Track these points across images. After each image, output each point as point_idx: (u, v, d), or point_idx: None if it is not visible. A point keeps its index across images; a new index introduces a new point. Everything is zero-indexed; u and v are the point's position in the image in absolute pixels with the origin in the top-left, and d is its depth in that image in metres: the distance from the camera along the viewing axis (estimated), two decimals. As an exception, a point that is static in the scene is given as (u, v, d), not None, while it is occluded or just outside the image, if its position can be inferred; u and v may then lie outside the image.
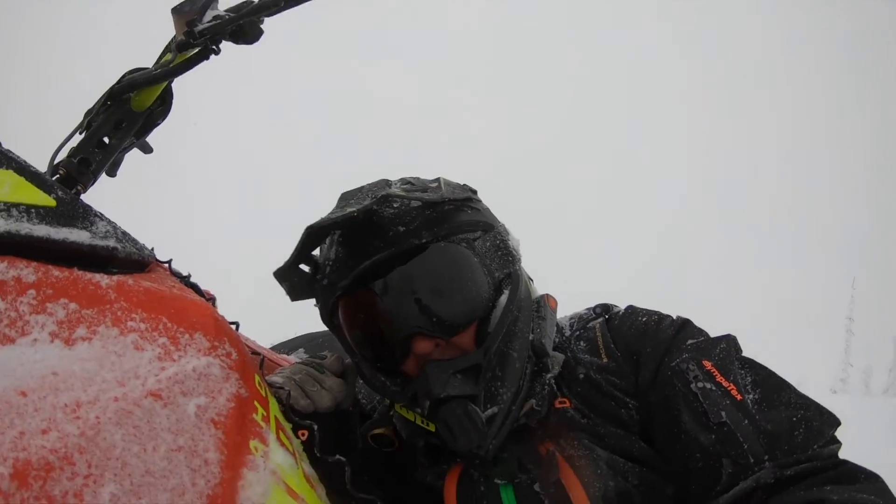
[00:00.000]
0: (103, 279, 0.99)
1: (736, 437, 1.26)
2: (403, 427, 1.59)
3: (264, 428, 1.08)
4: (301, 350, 2.26)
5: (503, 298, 1.47)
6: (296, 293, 1.60)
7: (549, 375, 1.50)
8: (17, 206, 0.98)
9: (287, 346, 2.50)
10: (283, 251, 1.49)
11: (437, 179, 1.61)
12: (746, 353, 1.46)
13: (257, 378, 1.18)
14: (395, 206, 1.47)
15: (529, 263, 1.65)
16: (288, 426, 1.31)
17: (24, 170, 1.04)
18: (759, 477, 1.21)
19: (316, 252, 1.59)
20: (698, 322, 1.55)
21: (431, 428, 1.45)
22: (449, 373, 1.38)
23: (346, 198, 1.56)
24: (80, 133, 1.50)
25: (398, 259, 1.42)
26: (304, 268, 1.59)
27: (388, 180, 1.61)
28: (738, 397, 1.32)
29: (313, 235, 1.44)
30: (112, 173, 1.65)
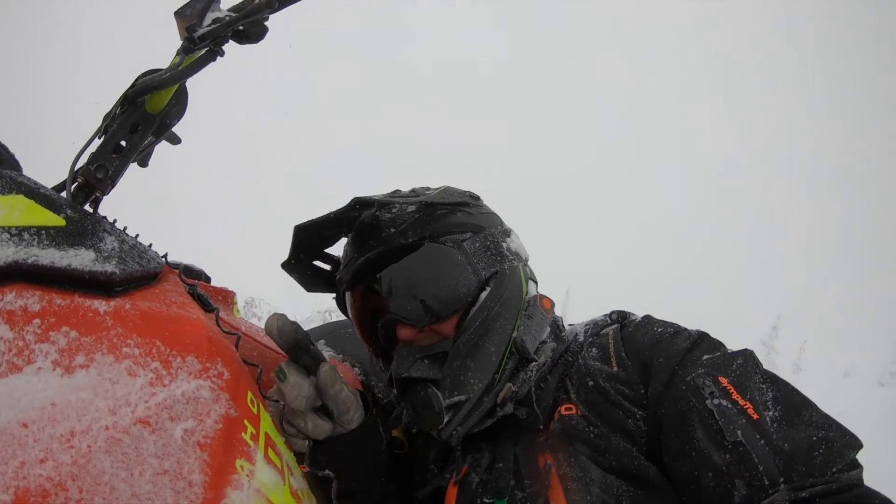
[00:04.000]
0: (101, 305, 1.07)
1: (751, 457, 1.23)
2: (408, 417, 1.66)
3: (252, 447, 1.16)
4: (322, 342, 2.27)
5: (483, 295, 1.58)
6: (308, 285, 1.82)
7: (533, 364, 1.57)
8: (28, 229, 1.05)
9: (315, 334, 2.52)
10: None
11: (446, 188, 1.78)
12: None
13: (250, 395, 1.25)
14: (393, 210, 1.64)
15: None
16: (280, 440, 1.36)
17: (33, 193, 1.11)
18: (773, 500, 1.18)
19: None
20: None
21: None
22: (415, 356, 1.53)
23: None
24: (99, 138, 1.55)
25: (390, 257, 1.58)
26: (321, 264, 1.81)
27: (399, 190, 1.79)
28: (755, 416, 1.28)
29: (300, 234, 1.63)
30: (144, 164, 1.72)
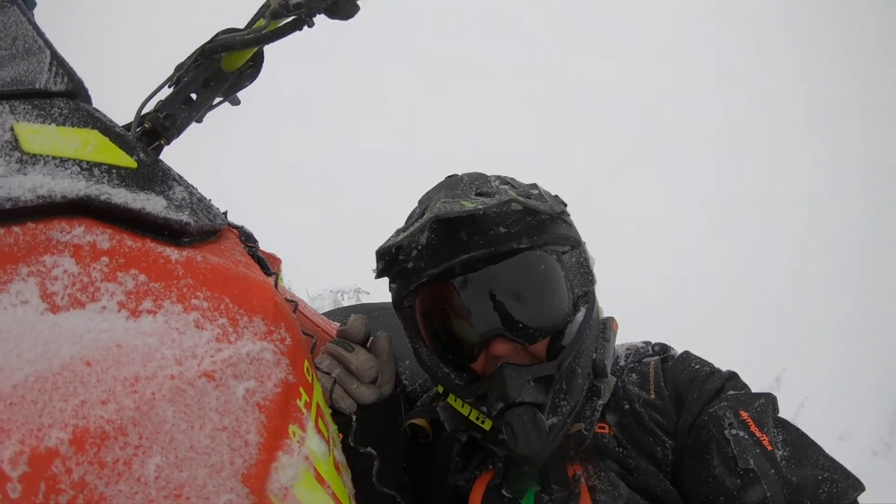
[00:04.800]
0: (173, 253, 1.04)
1: (761, 484, 1.28)
2: (450, 419, 1.61)
3: (305, 414, 1.13)
4: None
5: (580, 315, 1.51)
6: (383, 272, 1.65)
7: (599, 402, 1.53)
8: (99, 166, 1.02)
9: (341, 315, 2.51)
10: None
11: (535, 186, 1.64)
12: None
13: (306, 364, 1.22)
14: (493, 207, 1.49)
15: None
16: (328, 412, 1.35)
17: (108, 130, 1.08)
18: None
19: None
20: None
21: (487, 426, 1.48)
22: (525, 379, 1.41)
23: (451, 186, 1.58)
24: (169, 87, 1.53)
25: (493, 259, 1.45)
26: None
27: (485, 175, 1.64)
28: (769, 448, 1.34)
29: (438, 224, 1.49)
30: (199, 120, 1.69)
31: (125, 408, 0.82)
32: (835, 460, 1.34)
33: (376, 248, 1.54)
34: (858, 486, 1.29)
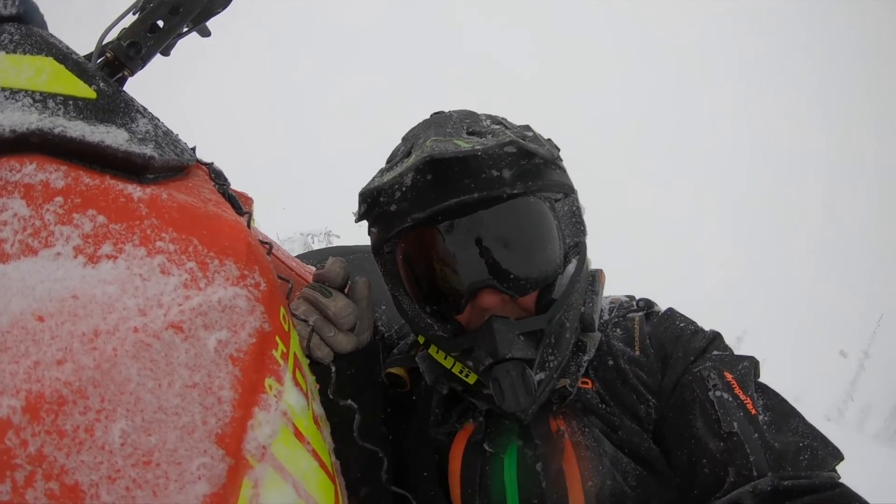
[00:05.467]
0: (136, 191, 0.95)
1: (744, 448, 1.26)
2: (430, 371, 1.55)
3: (282, 366, 1.05)
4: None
5: (571, 267, 1.44)
6: (365, 215, 1.53)
7: (585, 357, 1.48)
8: (54, 97, 0.93)
9: (316, 258, 2.44)
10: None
11: (529, 127, 1.53)
12: (758, 354, 1.49)
13: (282, 311, 1.14)
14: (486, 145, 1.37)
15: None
16: (305, 362, 1.28)
17: (65, 58, 0.99)
18: (756, 484, 1.20)
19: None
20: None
21: (471, 380, 1.43)
22: (515, 333, 1.34)
23: (440, 123, 1.47)
24: (133, 14, 1.41)
25: (484, 204, 1.36)
26: None
27: (475, 113, 1.53)
28: (753, 411, 1.32)
29: (426, 165, 1.36)
30: (166, 53, 1.57)
31: (84, 367, 0.74)
32: (815, 428, 1.33)
33: (359, 188, 1.43)
34: (838, 455, 1.27)
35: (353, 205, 1.52)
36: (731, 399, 1.33)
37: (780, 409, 1.36)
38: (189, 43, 1.55)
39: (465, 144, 1.29)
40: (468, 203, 1.35)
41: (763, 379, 1.44)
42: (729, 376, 1.38)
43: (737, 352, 1.48)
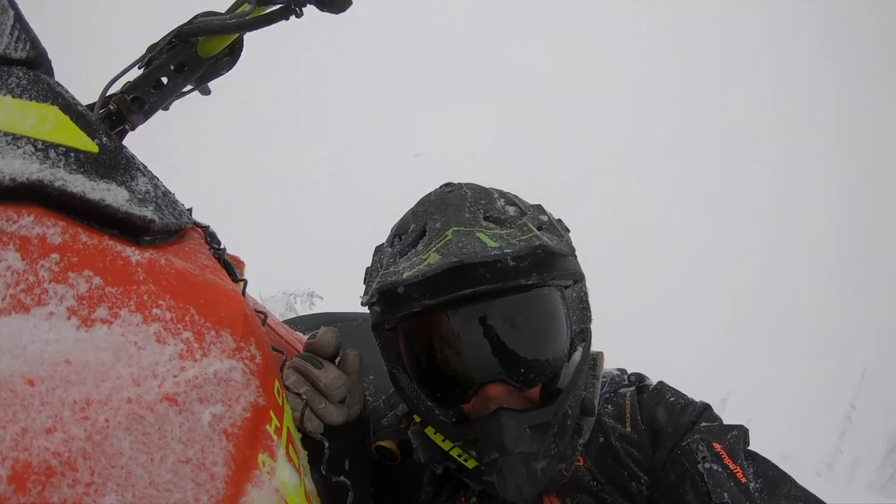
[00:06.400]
0: (134, 254, 0.92)
1: None
2: (425, 449, 1.50)
3: (275, 441, 1.01)
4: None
5: (577, 355, 1.42)
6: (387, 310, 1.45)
7: (580, 441, 1.43)
8: (56, 147, 0.90)
9: (305, 323, 2.41)
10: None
11: (541, 208, 1.53)
12: (744, 415, 1.48)
13: (277, 384, 1.10)
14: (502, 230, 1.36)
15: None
16: (297, 436, 1.24)
17: (70, 108, 0.96)
18: None
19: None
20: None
21: (470, 465, 1.39)
22: (523, 427, 1.31)
23: (456, 206, 1.42)
24: (139, 68, 1.41)
25: (499, 294, 1.33)
26: None
27: (487, 190, 1.50)
28: (743, 480, 1.31)
29: (459, 270, 1.28)
30: (166, 108, 1.56)
31: (75, 438, 0.70)
32: (807, 490, 1.33)
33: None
34: None
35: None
36: (720, 470, 1.32)
37: (771, 475, 1.35)
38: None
39: (491, 242, 1.27)
40: (482, 293, 1.32)
41: (750, 438, 1.43)
42: (718, 447, 1.37)
43: (721, 413, 1.48)
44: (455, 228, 1.34)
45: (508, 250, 1.25)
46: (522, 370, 1.34)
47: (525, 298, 1.35)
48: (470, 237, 1.30)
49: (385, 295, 1.39)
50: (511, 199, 1.49)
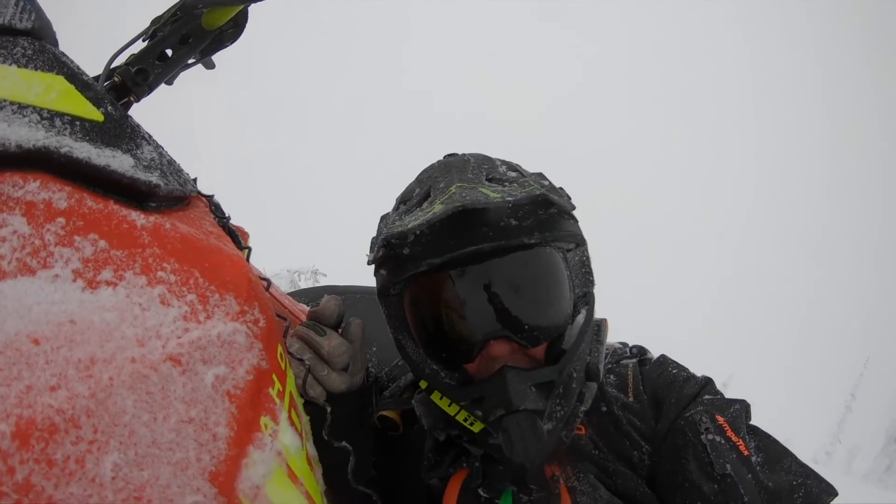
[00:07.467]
0: (139, 218, 0.93)
1: (738, 489, 1.26)
2: (428, 416, 1.53)
3: (278, 404, 1.03)
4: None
5: (580, 317, 1.44)
6: (385, 260, 1.49)
7: (582, 408, 1.45)
8: (61, 115, 0.91)
9: (308, 296, 2.43)
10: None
11: (543, 175, 1.54)
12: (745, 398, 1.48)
13: (280, 349, 1.11)
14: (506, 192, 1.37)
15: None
16: (300, 401, 1.25)
17: (75, 77, 0.97)
18: None
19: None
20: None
21: (476, 429, 1.40)
22: (528, 384, 1.33)
23: (460, 168, 1.45)
24: (143, 41, 1.42)
25: (500, 252, 1.35)
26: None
27: (490, 157, 1.53)
28: (745, 453, 1.33)
29: (460, 215, 1.32)
30: (170, 82, 1.57)
31: (78, 395, 0.70)
32: (807, 466, 1.34)
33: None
34: (832, 492, 1.29)
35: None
36: (723, 442, 1.34)
37: (772, 450, 1.37)
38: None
39: (492, 194, 1.28)
40: (485, 251, 1.33)
41: (752, 422, 1.44)
42: (721, 419, 1.38)
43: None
44: (459, 184, 1.36)
45: (510, 199, 1.26)
46: (526, 327, 1.35)
47: (528, 256, 1.36)
48: (473, 191, 1.31)
49: (391, 256, 1.42)
50: (513, 166, 1.52)
